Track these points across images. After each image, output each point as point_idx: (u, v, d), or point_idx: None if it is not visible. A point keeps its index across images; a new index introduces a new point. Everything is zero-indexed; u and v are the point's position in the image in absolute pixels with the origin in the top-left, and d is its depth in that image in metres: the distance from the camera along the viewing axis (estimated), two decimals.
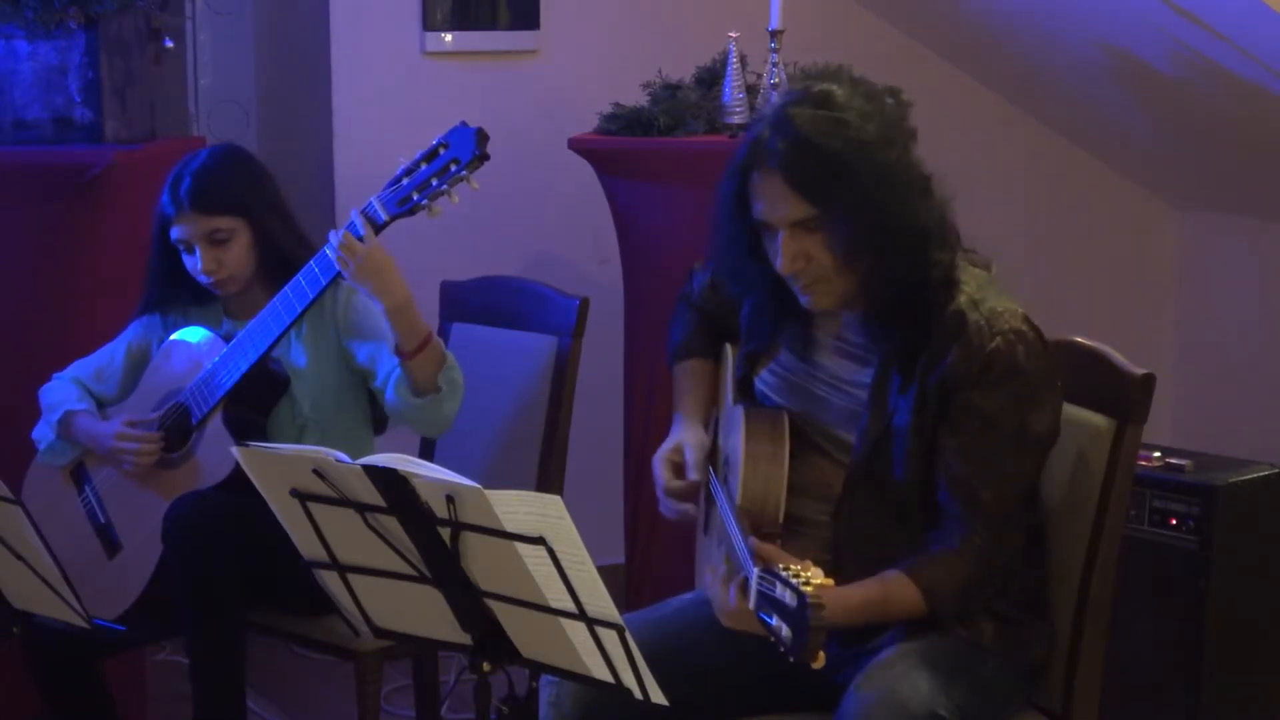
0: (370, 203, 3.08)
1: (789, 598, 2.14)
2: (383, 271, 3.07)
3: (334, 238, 3.08)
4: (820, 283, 2.49)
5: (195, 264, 3.22)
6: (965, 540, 2.45)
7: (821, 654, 2.11)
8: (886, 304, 2.48)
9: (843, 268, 2.47)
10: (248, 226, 3.23)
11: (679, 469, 2.70)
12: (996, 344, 2.43)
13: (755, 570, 2.25)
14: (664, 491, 2.71)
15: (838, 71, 2.52)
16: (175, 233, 3.22)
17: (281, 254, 3.24)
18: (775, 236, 2.48)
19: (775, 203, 2.46)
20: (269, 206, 3.27)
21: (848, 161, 2.42)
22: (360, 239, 3.05)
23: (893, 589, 2.45)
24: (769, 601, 2.19)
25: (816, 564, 2.20)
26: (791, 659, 2.14)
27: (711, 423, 2.83)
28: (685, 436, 2.74)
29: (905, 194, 2.45)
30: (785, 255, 2.47)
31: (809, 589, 2.11)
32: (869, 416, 2.51)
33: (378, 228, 3.07)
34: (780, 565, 2.19)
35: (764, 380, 2.68)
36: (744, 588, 2.32)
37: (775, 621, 2.17)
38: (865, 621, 2.46)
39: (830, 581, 2.14)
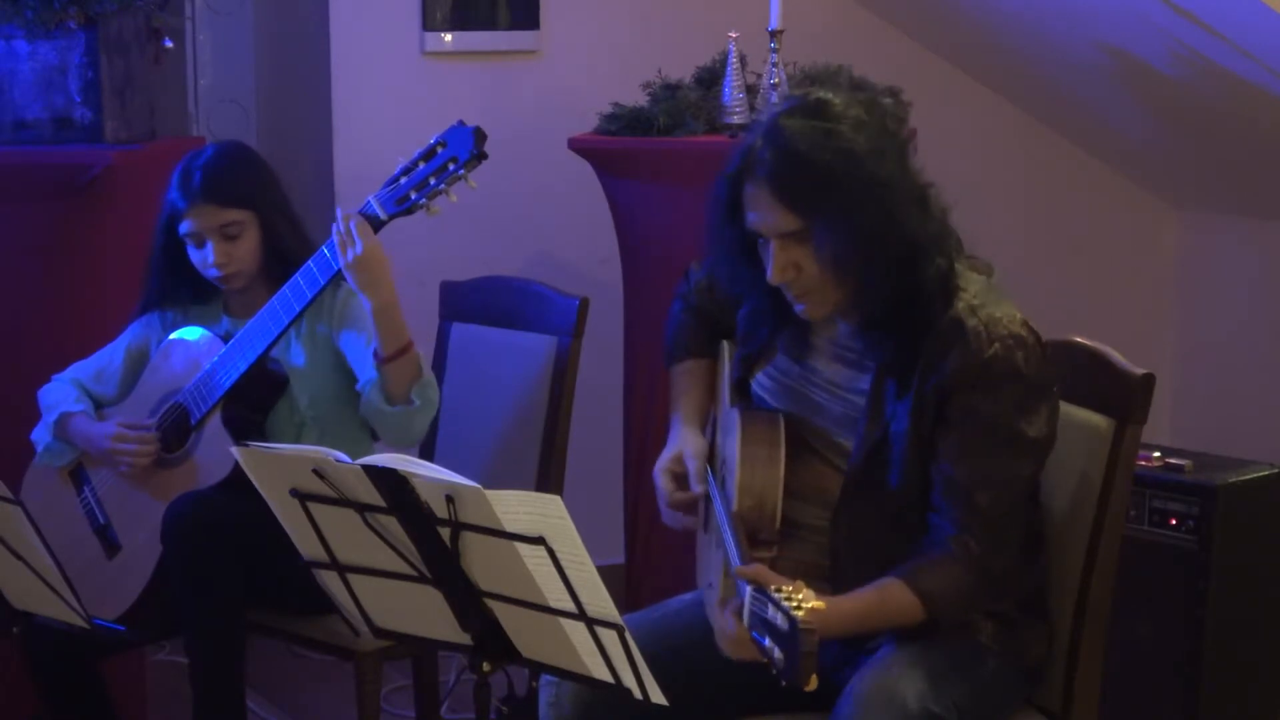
0: (368, 201, 3.08)
1: (780, 620, 2.10)
2: (379, 266, 3.07)
3: (329, 245, 3.09)
4: (811, 293, 2.49)
5: (205, 257, 3.22)
6: (962, 546, 2.44)
7: (814, 677, 2.08)
8: (879, 314, 2.47)
9: (831, 279, 2.46)
10: (256, 221, 3.23)
11: (681, 480, 2.70)
12: (995, 350, 2.42)
13: (748, 590, 2.24)
14: (667, 504, 2.71)
15: (837, 73, 2.52)
16: (186, 226, 3.22)
17: (285, 251, 3.24)
18: (768, 245, 2.48)
19: (765, 214, 2.46)
20: (276, 203, 3.28)
21: (836, 174, 2.41)
22: (373, 227, 3.05)
23: (890, 597, 2.43)
24: (762, 622, 2.17)
25: (815, 569, 2.19)
26: (784, 682, 2.12)
27: (710, 422, 2.83)
28: (685, 444, 2.73)
29: (894, 207, 2.43)
30: (775, 266, 2.47)
31: (800, 613, 2.07)
32: (866, 423, 2.50)
33: (376, 227, 3.08)
34: (772, 586, 2.16)
35: (760, 384, 2.67)
36: (739, 612, 2.30)
37: (768, 643, 2.14)
38: (863, 630, 2.45)
39: (822, 605, 2.09)
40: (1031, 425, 2.45)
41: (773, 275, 2.47)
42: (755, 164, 2.45)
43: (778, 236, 2.45)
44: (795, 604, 2.08)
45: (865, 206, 2.41)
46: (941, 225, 2.49)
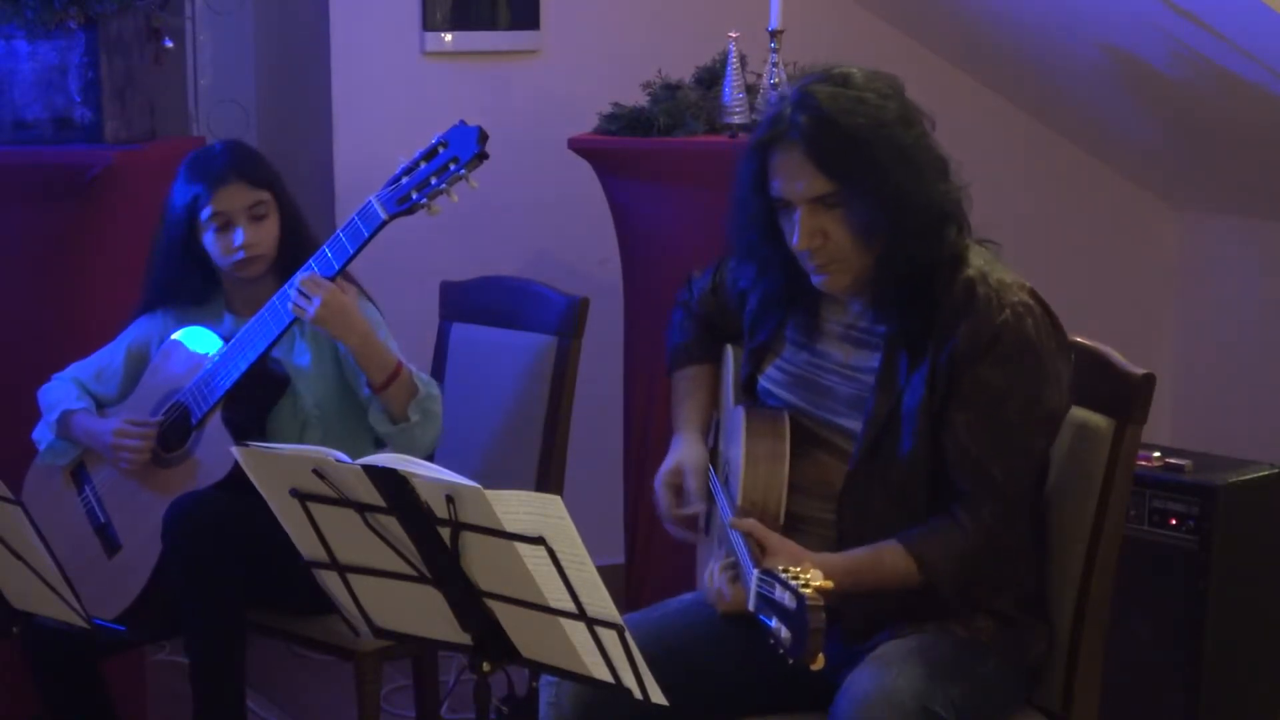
0: (369, 201, 3.08)
1: (788, 599, 2.14)
2: (343, 311, 3.09)
3: (329, 244, 3.09)
4: (835, 262, 2.51)
5: (232, 240, 3.20)
6: (974, 517, 2.45)
7: (821, 656, 2.11)
8: (896, 284, 2.49)
9: (859, 246, 2.48)
10: (277, 205, 3.24)
11: (681, 494, 2.71)
12: (1005, 316, 2.44)
13: (754, 572, 2.26)
14: (666, 520, 2.72)
15: (850, 66, 2.55)
16: (210, 210, 3.20)
17: (298, 240, 3.25)
18: (792, 214, 2.50)
19: (795, 178, 2.48)
20: (288, 191, 3.31)
21: (868, 139, 2.44)
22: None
23: (885, 555, 2.46)
24: (767, 603, 2.19)
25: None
26: (791, 661, 2.14)
27: (712, 428, 2.83)
28: (685, 456, 2.74)
29: (923, 174, 2.47)
30: (802, 231, 2.48)
31: (808, 591, 2.11)
32: (875, 400, 2.51)
33: (378, 226, 3.08)
34: (779, 566, 2.19)
35: (769, 377, 2.68)
36: (736, 574, 2.36)
37: (774, 624, 2.17)
38: (855, 587, 2.43)
39: (829, 584, 2.14)
40: (1045, 396, 2.47)
41: (799, 241, 2.49)
42: (787, 129, 2.48)
43: (806, 201, 2.47)
44: (803, 582, 2.13)
45: (895, 171, 2.44)
46: (959, 199, 2.52)
